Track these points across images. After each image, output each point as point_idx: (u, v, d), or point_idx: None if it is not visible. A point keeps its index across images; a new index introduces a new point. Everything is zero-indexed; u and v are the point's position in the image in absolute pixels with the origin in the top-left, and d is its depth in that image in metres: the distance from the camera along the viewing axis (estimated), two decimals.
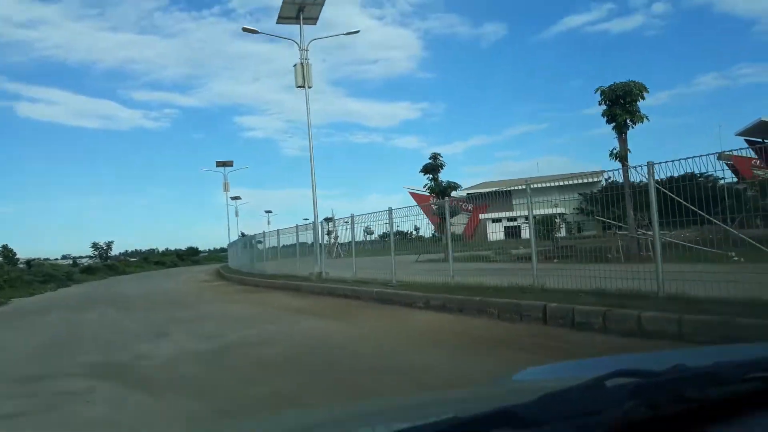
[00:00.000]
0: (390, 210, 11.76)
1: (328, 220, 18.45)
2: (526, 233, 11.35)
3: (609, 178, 9.00)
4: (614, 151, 15.89)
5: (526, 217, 12.05)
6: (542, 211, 10.65)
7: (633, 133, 15.78)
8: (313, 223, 15.48)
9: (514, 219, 13.94)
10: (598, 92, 16.10)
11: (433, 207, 13.50)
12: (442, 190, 27.94)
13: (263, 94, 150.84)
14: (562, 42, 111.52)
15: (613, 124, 15.80)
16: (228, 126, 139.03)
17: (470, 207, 14.63)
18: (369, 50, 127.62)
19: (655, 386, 0.80)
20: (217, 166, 43.90)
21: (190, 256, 72.55)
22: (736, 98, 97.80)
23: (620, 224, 11.05)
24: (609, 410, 0.74)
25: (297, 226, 17.53)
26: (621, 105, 15.81)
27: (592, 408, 0.74)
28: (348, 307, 10.21)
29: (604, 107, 15.82)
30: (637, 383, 0.81)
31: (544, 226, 10.87)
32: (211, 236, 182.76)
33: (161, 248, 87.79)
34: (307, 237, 18.12)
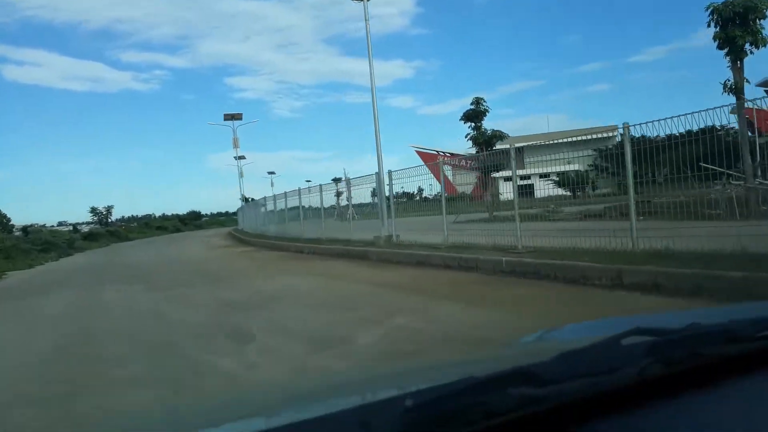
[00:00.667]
0: (514, 149, 8.76)
1: (336, 180, 17.17)
2: (539, 192, 11.29)
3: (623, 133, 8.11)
4: (728, 83, 12.93)
5: (541, 175, 11.49)
6: (558, 168, 10.47)
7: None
8: (378, 175, 12.48)
9: (527, 177, 13.19)
10: (709, 10, 13.08)
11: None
12: (487, 140, 24.74)
13: (254, 54, 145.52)
14: None
15: (727, 48, 12.85)
16: (219, 87, 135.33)
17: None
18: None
19: (671, 344, 0.80)
20: (225, 119, 40.48)
21: (192, 221, 70.40)
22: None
23: (735, 173, 9.28)
24: (625, 368, 0.73)
25: (348, 180, 14.47)
26: (738, 25, 12.79)
27: (608, 366, 0.73)
28: (472, 284, 7.32)
29: (713, 30, 12.83)
30: (653, 341, 0.79)
31: (572, 182, 10.51)
32: (210, 200, 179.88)
33: (158, 213, 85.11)
34: (310, 200, 16.97)
